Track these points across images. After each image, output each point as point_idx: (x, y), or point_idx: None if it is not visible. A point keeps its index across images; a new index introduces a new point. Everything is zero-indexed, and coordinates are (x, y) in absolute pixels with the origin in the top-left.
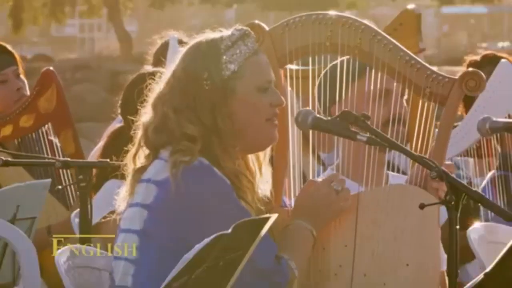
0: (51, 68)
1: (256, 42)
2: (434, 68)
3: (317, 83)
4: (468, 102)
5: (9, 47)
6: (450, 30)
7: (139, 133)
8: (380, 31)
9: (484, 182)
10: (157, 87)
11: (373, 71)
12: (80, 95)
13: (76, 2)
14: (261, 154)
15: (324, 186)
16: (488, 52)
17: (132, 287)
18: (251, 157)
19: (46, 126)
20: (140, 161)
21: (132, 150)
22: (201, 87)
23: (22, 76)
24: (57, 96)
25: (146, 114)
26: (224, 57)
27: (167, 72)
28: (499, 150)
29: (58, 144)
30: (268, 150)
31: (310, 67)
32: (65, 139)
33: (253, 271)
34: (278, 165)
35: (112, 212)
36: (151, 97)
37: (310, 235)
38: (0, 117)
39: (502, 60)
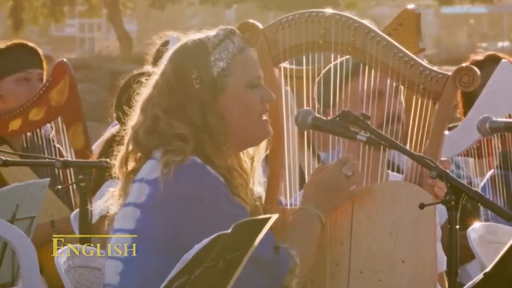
0: (65, 59)
1: (243, 40)
2: (434, 68)
3: (315, 85)
4: (468, 102)
5: (40, 51)
6: (450, 30)
7: (127, 136)
8: (373, 28)
9: (484, 181)
10: (145, 90)
11: (366, 71)
12: (80, 95)
13: (76, 2)
14: (255, 154)
15: (334, 171)
16: (490, 52)
17: (120, 285)
18: (244, 156)
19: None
20: (131, 163)
21: (122, 152)
22: (191, 87)
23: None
24: (69, 88)
25: (134, 118)
26: (212, 55)
27: (155, 74)
28: (500, 149)
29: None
30: (263, 149)
31: (304, 66)
32: (75, 133)
33: (251, 263)
34: (274, 164)
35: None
36: (140, 100)
37: (317, 220)
38: (9, 111)
39: (503, 60)
